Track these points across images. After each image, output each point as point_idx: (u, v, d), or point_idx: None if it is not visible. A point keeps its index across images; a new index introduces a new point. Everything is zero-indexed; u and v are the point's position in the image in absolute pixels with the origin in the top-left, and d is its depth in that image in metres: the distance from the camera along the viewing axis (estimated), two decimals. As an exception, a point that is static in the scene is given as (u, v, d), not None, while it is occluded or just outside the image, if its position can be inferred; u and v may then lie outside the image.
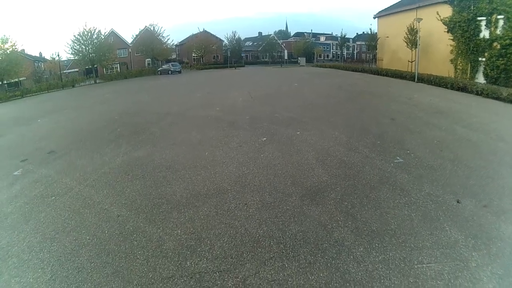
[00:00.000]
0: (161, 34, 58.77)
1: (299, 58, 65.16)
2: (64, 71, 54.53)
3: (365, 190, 8.22)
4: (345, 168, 9.69)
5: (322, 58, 65.64)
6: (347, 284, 5.06)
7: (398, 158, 10.25)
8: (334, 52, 69.05)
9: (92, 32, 43.37)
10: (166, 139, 13.22)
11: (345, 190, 8.39)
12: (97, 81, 43.86)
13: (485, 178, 8.48)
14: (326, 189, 8.45)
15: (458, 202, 7.42)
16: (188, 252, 5.29)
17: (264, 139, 12.83)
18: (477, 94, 20.72)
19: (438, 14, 26.61)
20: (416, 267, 5.31)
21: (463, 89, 22.29)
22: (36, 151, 11.23)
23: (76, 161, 10.10)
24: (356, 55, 64.30)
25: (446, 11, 26.27)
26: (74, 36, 42.22)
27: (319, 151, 11.24)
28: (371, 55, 49.40)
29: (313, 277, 5.27)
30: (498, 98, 19.00)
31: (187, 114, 17.95)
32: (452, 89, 23.14)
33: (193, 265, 4.97)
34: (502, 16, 22.54)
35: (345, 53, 64.70)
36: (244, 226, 6.72)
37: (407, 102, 19.71)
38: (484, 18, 25.21)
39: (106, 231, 5.91)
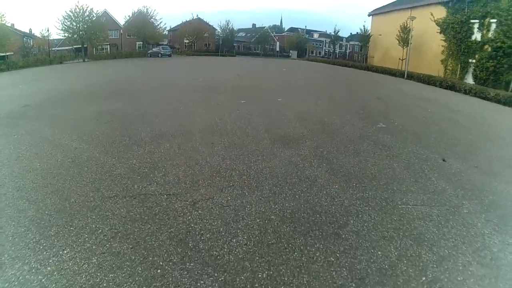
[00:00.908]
0: (153, 17, 57.50)
1: (290, 51, 64.83)
2: (53, 49, 53.09)
3: (344, 142, 7.74)
4: (324, 125, 9.28)
5: (314, 55, 65.49)
6: (317, 215, 4.62)
7: (381, 124, 9.77)
8: (326, 50, 69.01)
9: (84, 10, 41.93)
10: (144, 98, 12.90)
11: (322, 140, 8.06)
12: (86, 59, 42.32)
13: (471, 147, 8.27)
14: (302, 138, 8.19)
15: (443, 160, 7.13)
16: (139, 178, 5.20)
17: (244, 101, 12.59)
18: (465, 93, 20.75)
19: (432, 15, 26.55)
20: (400, 207, 4.94)
21: (451, 87, 22.29)
22: (11, 105, 11.05)
23: (48, 111, 9.96)
24: (348, 54, 64.29)
25: (440, 12, 26.49)
26: (66, 12, 40.94)
27: (299, 112, 10.93)
28: (363, 55, 49.35)
29: (276, 206, 4.84)
30: (485, 98, 19.15)
31: (170, 82, 17.67)
32: (440, 87, 23.08)
33: (140, 188, 4.85)
34: (495, 20, 22.94)
35: (337, 51, 64.55)
36: (205, 159, 6.43)
37: (395, 90, 19.51)
38: (477, 21, 25.39)
39: (59, 159, 5.89)
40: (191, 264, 3.25)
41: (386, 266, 3.57)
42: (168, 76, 20.10)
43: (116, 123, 8.38)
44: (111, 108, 10.63)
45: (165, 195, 4.64)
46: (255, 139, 7.61)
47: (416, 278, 3.41)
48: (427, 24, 29.36)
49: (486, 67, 24.05)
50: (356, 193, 5.31)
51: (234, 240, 3.92)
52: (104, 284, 2.85)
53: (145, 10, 56.75)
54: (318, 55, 66.55)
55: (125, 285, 2.87)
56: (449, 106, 14.67)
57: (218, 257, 3.58)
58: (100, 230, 3.66)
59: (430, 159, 7.08)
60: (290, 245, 3.86)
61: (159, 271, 3.10)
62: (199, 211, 4.50)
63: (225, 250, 3.73)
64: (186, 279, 3.03)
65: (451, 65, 28.09)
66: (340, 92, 16.97)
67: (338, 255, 3.71)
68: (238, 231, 4.13)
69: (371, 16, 43.37)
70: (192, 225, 3.95)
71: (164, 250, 3.40)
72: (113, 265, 3.11)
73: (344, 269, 3.47)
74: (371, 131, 8.84)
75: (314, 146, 7.34)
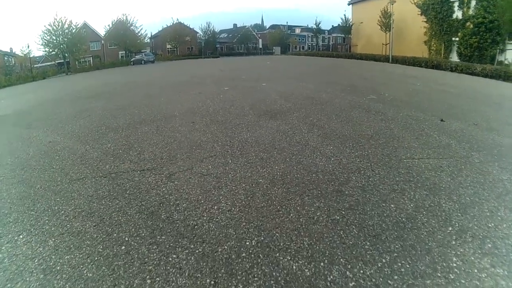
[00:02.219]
0: (134, 25, 56.42)
1: (274, 47, 64.32)
2: (36, 65, 51.88)
3: (334, 111, 7.19)
4: (312, 100, 8.81)
5: (298, 49, 65.09)
6: (313, 175, 4.03)
7: (371, 95, 9.14)
8: (309, 44, 68.74)
9: (63, 23, 40.81)
10: (124, 96, 12.09)
11: (311, 111, 7.50)
12: (68, 73, 41.20)
13: (467, 111, 7.80)
14: (289, 111, 7.65)
15: (442, 120, 6.69)
16: (112, 159, 4.83)
17: (227, 88, 12.09)
18: (451, 70, 20.54)
19: (411, -3, 26.18)
20: (405, 161, 4.41)
21: (437, 66, 22.10)
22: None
23: (27, 116, 9.40)
24: (332, 46, 64.14)
25: (419, -6, 25.80)
26: (45, 26, 39.78)
27: (285, 93, 10.34)
28: (346, 45, 49.12)
29: (265, 170, 4.25)
30: (472, 73, 19.13)
31: (152, 82, 16.93)
32: (426, 67, 22.77)
33: (112, 168, 4.48)
34: None
35: (320, 44, 64.32)
36: (185, 136, 5.91)
37: (381, 71, 19.12)
38: (457, -1, 25.04)
39: (30, 153, 5.52)
40: (163, 237, 2.75)
41: (404, 219, 2.96)
42: (150, 78, 19.42)
43: (94, 117, 7.93)
44: (91, 106, 9.91)
45: (138, 171, 4.23)
46: (239, 115, 6.95)
47: (441, 229, 2.81)
48: (408, 7, 29.19)
49: (470, 44, 23.90)
50: (354, 151, 4.72)
51: (215, 207, 3.26)
52: (58, 267, 2.42)
53: (124, 18, 55.70)
54: (301, 49, 66.16)
55: (81, 266, 2.42)
56: (437, 81, 14.31)
57: (196, 227, 2.95)
58: (62, 211, 3.27)
59: (427, 120, 6.60)
60: (284, 207, 3.19)
61: (123, 247, 2.63)
62: (175, 182, 3.92)
63: (204, 218, 3.07)
64: (155, 254, 2.53)
65: (434, 45, 27.95)
66: (325, 76, 16.45)
67: (343, 212, 3.05)
68: (221, 197, 3.48)
69: (351, 5, 43.15)
70: (167, 196, 3.48)
71: (132, 225, 2.94)
72: (71, 246, 2.69)
73: (354, 227, 2.82)
74: (361, 101, 8.27)
75: (302, 116, 6.71)
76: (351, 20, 43.64)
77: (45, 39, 40.63)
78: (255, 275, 2.32)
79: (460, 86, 12.87)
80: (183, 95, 10.70)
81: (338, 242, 2.63)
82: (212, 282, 2.27)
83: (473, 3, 24.57)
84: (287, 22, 79.36)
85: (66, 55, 42.30)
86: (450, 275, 2.25)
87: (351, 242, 2.61)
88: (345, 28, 45.76)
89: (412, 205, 3.18)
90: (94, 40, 57.31)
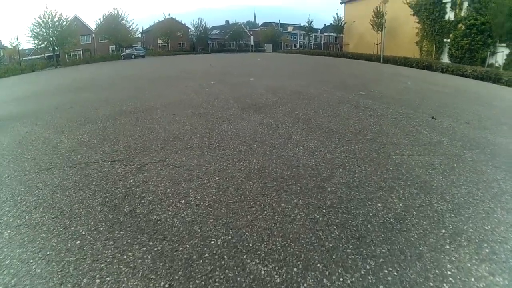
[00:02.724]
0: (125, 19, 55.48)
1: (265, 45, 63.86)
2: (25, 58, 50.74)
3: (322, 106, 6.86)
4: (299, 95, 8.47)
5: (289, 47, 64.73)
6: (293, 169, 3.71)
7: (361, 92, 8.84)
8: (301, 42, 68.46)
9: (54, 15, 39.86)
10: (110, 89, 11.57)
11: (297, 105, 7.13)
12: (58, 66, 40.24)
13: (458, 109, 7.53)
14: (275, 105, 7.29)
15: (433, 118, 6.41)
16: (84, 149, 4.59)
17: (214, 82, 11.65)
18: (442, 71, 20.46)
19: (404, -2, 26.13)
20: (394, 157, 4.11)
21: (428, 67, 22.01)
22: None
23: (8, 107, 9.14)
24: (324, 46, 63.96)
25: (412, -6, 25.72)
26: (35, 19, 38.83)
27: (272, 87, 9.95)
28: (338, 44, 48.99)
29: (241, 163, 3.92)
30: (463, 75, 19.06)
31: (140, 76, 16.26)
32: (417, 67, 22.66)
33: (83, 158, 4.24)
34: None
35: (312, 43, 64.09)
36: (164, 127, 5.59)
37: (371, 68, 18.96)
38: (449, 0, 25.08)
39: (5, 143, 5.23)
40: (121, 233, 2.50)
41: (392, 220, 2.63)
42: (137, 72, 18.84)
43: (75, 109, 7.58)
44: (73, 98, 9.44)
45: (109, 162, 4.01)
46: (222, 108, 6.58)
47: (433, 232, 2.49)
48: (400, 7, 29.13)
49: (461, 45, 23.90)
50: (340, 146, 4.38)
51: (182, 202, 2.90)
52: (7, 261, 2.20)
53: (115, 12, 54.77)
54: (293, 47, 65.84)
55: (31, 261, 2.20)
56: (428, 80, 14.16)
57: (159, 222, 2.64)
58: (24, 202, 3.06)
59: (417, 117, 6.32)
60: (258, 203, 2.84)
61: (78, 242, 2.40)
62: (145, 174, 3.62)
63: (169, 213, 2.73)
64: (109, 251, 2.28)
65: (426, 46, 27.94)
66: (315, 73, 16.16)
67: (324, 210, 2.69)
68: (190, 191, 3.12)
69: (343, 4, 42.99)
70: (133, 188, 3.25)
71: (92, 218, 2.71)
72: (25, 239, 2.47)
73: (335, 227, 2.47)
74: (350, 97, 7.96)
75: (288, 110, 6.36)
76: (343, 19, 43.49)
77: (35, 32, 39.87)
78: (216, 280, 1.97)
79: (451, 86, 12.69)
80: (169, 89, 10.27)
81: (316, 244, 2.28)
82: (167, 286, 1.93)
83: (465, 4, 24.58)
84: (279, 20, 78.89)
85: (56, 48, 41.55)
86: (444, 284, 1.93)
87: (331, 245, 2.26)
88: (337, 27, 45.63)
89: (401, 205, 2.85)
90: (84, 34, 56.45)
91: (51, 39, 40.67)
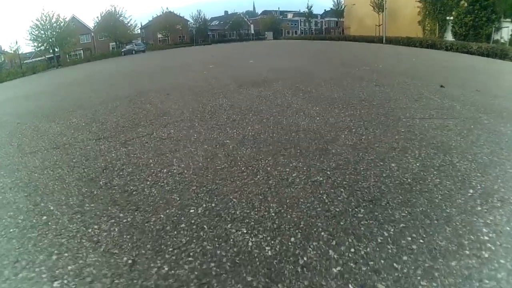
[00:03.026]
0: (123, 15, 54.82)
1: (266, 33, 62.86)
2: (26, 61, 50.63)
3: (324, 79, 6.57)
4: (300, 72, 8.10)
5: (290, 34, 63.61)
6: (292, 134, 3.35)
7: (364, 67, 8.33)
8: (302, 29, 67.27)
9: (51, 16, 39.42)
10: (107, 81, 10.94)
11: (298, 80, 6.65)
12: (59, 67, 40.00)
13: (467, 80, 7.01)
14: (274, 80, 6.85)
15: (442, 86, 5.86)
16: (71, 131, 4.33)
17: (212, 66, 11.21)
18: (446, 49, 19.67)
19: (405, -24, 25.24)
20: (404, 120, 3.71)
21: (432, 46, 21.25)
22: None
23: (8, 105, 8.70)
24: (325, 31, 62.81)
25: (413, -27, 24.83)
26: (33, 21, 38.39)
27: (272, 67, 9.48)
28: (339, 29, 48.04)
29: (235, 131, 3.58)
30: (468, 52, 18.17)
31: (139, 69, 16.03)
32: (421, 47, 21.92)
33: (68, 139, 3.97)
34: None
35: (313, 28, 62.95)
36: (156, 106, 5.26)
37: (375, 49, 18.34)
38: (452, -23, 24.15)
39: None
40: (92, 205, 2.22)
41: (409, 180, 2.24)
42: (136, 67, 18.33)
43: (69, 100, 7.20)
44: (68, 91, 9.11)
45: (94, 140, 3.76)
46: (218, 86, 6.25)
47: (460, 192, 2.09)
48: (401, -14, 28.19)
49: (465, 23, 23.08)
50: (344, 111, 3.98)
51: (164, 171, 2.52)
52: None
53: (113, 9, 54.12)
54: (294, 34, 64.72)
55: None
56: (433, 57, 13.64)
57: (134, 193, 2.32)
58: (1, 184, 2.84)
59: (426, 86, 5.82)
60: (250, 167, 2.44)
61: (44, 218, 2.14)
62: (129, 148, 3.33)
63: (148, 183, 2.40)
64: (74, 225, 1.99)
65: (429, 25, 27.11)
66: (316, 54, 15.60)
67: (329, 173, 2.27)
68: (174, 160, 2.77)
69: (343, -14, 41.94)
70: (114, 161, 2.99)
71: (64, 193, 2.46)
72: None
73: (342, 190, 2.06)
74: (353, 72, 7.51)
75: (288, 84, 5.94)
76: (343, 2, 42.48)
77: (33, 34, 39.53)
78: (190, 254, 1.58)
79: (457, 61, 12.17)
80: (168, 76, 9.79)
81: (319, 209, 1.87)
82: (130, 261, 1.57)
83: (468, -19, 23.67)
84: (278, 8, 77.48)
85: (56, 49, 41.11)
86: (483, 252, 1.50)
87: (337, 210, 1.85)
88: (338, 11, 44.61)
89: (418, 164, 2.44)
90: (83, 33, 56.01)
91: (50, 40, 40.41)
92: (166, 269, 1.49)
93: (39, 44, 39.59)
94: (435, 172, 2.30)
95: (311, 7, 54.18)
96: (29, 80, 21.59)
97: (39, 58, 51.15)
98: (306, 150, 2.73)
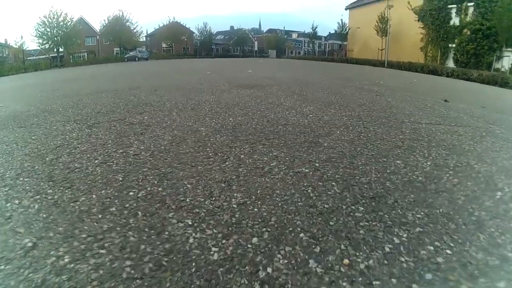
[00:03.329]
0: (129, 21, 55.06)
1: (269, 50, 63.35)
2: (29, 58, 50.81)
3: (322, 87, 6.03)
4: (298, 81, 7.67)
5: (294, 54, 64.05)
6: (279, 127, 2.95)
7: (365, 82, 7.89)
8: (305, 49, 67.77)
9: (59, 15, 39.65)
10: (104, 78, 10.56)
11: (295, 86, 6.19)
12: (61, 67, 40.02)
13: (471, 99, 6.69)
14: (269, 85, 6.48)
15: (446, 101, 5.46)
16: (45, 115, 3.99)
17: (209, 73, 10.78)
18: (447, 76, 19.62)
19: (409, 3, 25.72)
20: (408, 124, 3.31)
21: (433, 72, 21.17)
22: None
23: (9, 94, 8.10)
24: (328, 52, 63.40)
25: (417, 0, 25.24)
26: (40, 18, 38.48)
27: (270, 76, 9.06)
28: (342, 51, 48.47)
29: (213, 121, 3.19)
30: (468, 79, 18.13)
31: (138, 72, 14.99)
32: (422, 72, 21.87)
33: (38, 120, 3.62)
34: (472, 3, 21.82)
35: (317, 50, 63.55)
36: (140, 98, 4.87)
37: (376, 71, 18.04)
38: (455, 6, 24.55)
39: None
40: (25, 180, 1.85)
41: (421, 179, 1.78)
42: (136, 69, 18.07)
43: (59, 91, 6.73)
44: (62, 85, 8.56)
45: (62, 122, 3.45)
46: (210, 86, 5.88)
47: (486, 194, 1.62)
48: (405, 12, 28.51)
49: (467, 50, 23.16)
50: (341, 112, 3.56)
51: (120, 151, 2.11)
52: None
53: (120, 14, 54.41)
54: (297, 54, 65.25)
55: None
56: (434, 81, 13.34)
57: (76, 170, 1.95)
58: None
59: (429, 100, 5.40)
60: (220, 154, 2.00)
61: None
62: (93, 129, 3.01)
63: (96, 161, 2.03)
64: None
65: (431, 51, 27.19)
66: (317, 71, 15.33)
67: (317, 165, 1.81)
68: (136, 142, 2.35)
69: (348, 10, 42.44)
70: (71, 140, 2.67)
71: (4, 167, 2.12)
72: None
73: (334, 184, 1.57)
74: (353, 84, 7.14)
75: (283, 88, 5.53)
76: (347, 25, 42.94)
77: (39, 31, 39.42)
78: (105, 245, 1.11)
79: (459, 85, 11.93)
80: (163, 79, 9.35)
81: (300, 203, 1.37)
82: (29, 245, 1.10)
83: (470, 10, 23.92)
84: (284, 27, 78.37)
85: (61, 49, 40.75)
86: None
87: (326, 206, 1.35)
88: (342, 34, 45.06)
89: (429, 163, 1.98)
90: (89, 35, 56.03)
91: (55, 39, 40.29)
92: (66, 260, 0.99)
93: (44, 42, 39.03)
94: (450, 172, 1.83)
95: (316, 27, 54.81)
96: (29, 75, 21.39)
97: (43, 56, 51.16)
98: (292, 141, 2.26)
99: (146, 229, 1.24)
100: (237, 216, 1.32)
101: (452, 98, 5.82)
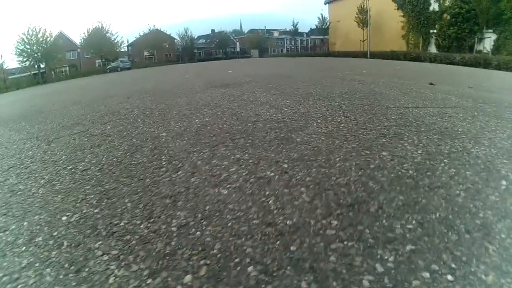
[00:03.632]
0: (110, 32, 54.19)
1: (251, 50, 63.08)
2: (11, 77, 49.84)
3: (302, 79, 5.67)
4: (277, 76, 7.14)
5: (276, 52, 63.92)
6: (248, 125, 2.69)
7: (347, 71, 7.69)
8: (288, 46, 67.67)
9: (37, 31, 38.92)
10: (80, 92, 10.12)
11: (273, 80, 5.88)
12: (43, 83, 39.36)
13: (457, 80, 6.60)
14: (247, 82, 6.12)
15: (431, 84, 5.23)
16: (10, 133, 3.70)
17: (188, 76, 10.58)
18: (430, 61, 19.53)
19: (387, -8, 25.64)
20: (394, 109, 3.01)
21: (416, 58, 21.16)
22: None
23: None
24: (310, 48, 63.44)
25: (395, -11, 25.14)
26: (19, 35, 37.66)
27: (249, 73, 8.72)
28: (325, 46, 48.45)
29: (178, 124, 2.92)
30: (451, 63, 18.10)
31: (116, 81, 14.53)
32: (405, 60, 21.83)
33: (7, 142, 3.24)
34: None
35: (299, 46, 63.55)
36: (110, 107, 4.59)
37: (359, 61, 17.79)
38: (433, -9, 24.51)
39: None
40: None
41: (412, 172, 1.51)
42: (118, 78, 17.59)
43: (30, 106, 6.44)
44: (36, 100, 8.14)
45: (24, 140, 3.23)
46: (185, 89, 5.65)
47: (490, 185, 1.34)
48: (384, 2, 28.56)
49: (448, 35, 23.23)
50: (320, 103, 3.25)
51: (69, 167, 2.09)
52: None
53: (100, 26, 53.54)
54: (280, 52, 65.12)
55: None
56: (419, 66, 13.24)
57: (19, 193, 1.73)
58: None
59: (414, 84, 5.12)
60: (173, 162, 1.72)
61: None
62: (51, 145, 2.93)
63: (41, 182, 1.95)
64: None
65: (412, 38, 27.26)
66: (299, 65, 15.05)
67: (286, 165, 1.53)
68: (89, 155, 2.18)
69: (327, 4, 42.37)
70: (25, 159, 2.44)
71: None
72: None
73: (304, 189, 1.26)
74: (335, 74, 6.82)
75: (261, 84, 5.21)
76: (328, 19, 42.90)
77: (19, 49, 38.75)
78: (23, 284, 0.96)
79: (443, 68, 11.83)
80: (137, 84, 8.99)
81: (255, 221, 1.08)
82: None
83: (449, -6, 24.01)
84: (265, 26, 78.15)
85: (42, 65, 40.60)
86: None
87: (289, 223, 1.02)
88: (323, 29, 45.04)
89: (420, 152, 1.67)
90: (70, 49, 55.02)
91: (35, 55, 39.66)
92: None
93: (24, 59, 38.26)
94: (446, 161, 1.53)
95: (296, 24, 54.81)
96: (9, 94, 20.88)
97: (25, 74, 50.21)
98: (261, 140, 1.93)
99: (66, 265, 0.97)
100: (173, 243, 1.00)
101: (438, 81, 5.58)
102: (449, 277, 0.81)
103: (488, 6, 19.72)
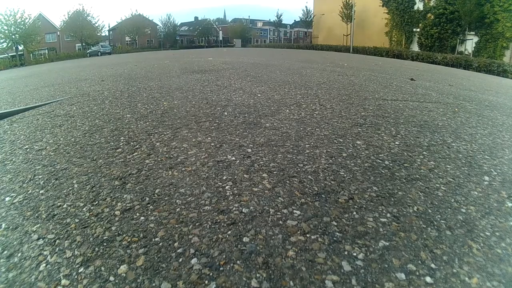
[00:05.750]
0: (90, 15, 52.25)
1: (234, 40, 62.34)
2: None
3: (281, 69, 5.45)
4: (256, 64, 6.97)
5: (259, 43, 63.47)
6: (218, 108, 2.51)
7: (328, 64, 7.76)
8: (271, 38, 67.31)
9: (16, 12, 37.04)
10: (56, 75, 9.36)
11: (251, 68, 5.77)
12: (21, 66, 37.62)
13: (437, 78, 6.49)
14: (224, 69, 6.01)
15: (412, 79, 5.25)
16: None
17: (167, 62, 10.24)
18: (412, 59, 19.81)
19: (373, -11, 25.73)
20: (372, 100, 2.92)
21: (398, 56, 21.41)
22: None
23: None
24: (293, 40, 63.34)
25: (381, -15, 25.23)
26: None
27: (228, 61, 8.63)
28: (308, 38, 48.41)
29: (146, 106, 2.71)
30: (433, 62, 18.40)
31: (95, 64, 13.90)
32: (387, 57, 22.01)
33: None
34: None
35: (282, 37, 63.27)
36: (81, 89, 4.33)
37: (340, 55, 17.81)
38: (418, -9, 24.78)
39: None
40: None
41: (388, 163, 1.41)
42: (96, 62, 16.83)
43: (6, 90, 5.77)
44: (9, 84, 7.55)
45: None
46: (161, 73, 5.38)
47: (472, 180, 1.22)
48: (369, -2, 28.65)
49: (431, 34, 23.60)
50: (296, 91, 3.12)
51: (26, 147, 1.90)
52: None
53: (81, 9, 51.42)
54: (263, 43, 64.72)
55: None
56: (400, 63, 13.34)
57: None
58: None
59: (395, 78, 5.12)
60: (133, 142, 1.62)
61: None
62: (13, 125, 2.71)
63: None
64: None
65: (395, 36, 27.54)
66: (280, 56, 14.93)
67: (250, 150, 1.31)
68: (48, 135, 2.02)
69: (313, -3, 42.24)
70: None
71: None
72: None
73: (266, 175, 1.11)
74: (315, 66, 6.70)
75: (238, 71, 5.00)
76: (312, 12, 42.82)
77: None
78: None
79: (424, 67, 11.93)
80: (115, 68, 8.57)
81: (207, 208, 0.92)
82: None
83: (434, -6, 24.34)
84: (249, 16, 77.50)
85: (20, 47, 39.09)
86: None
87: (245, 211, 0.85)
88: (307, 22, 44.92)
89: (397, 143, 1.55)
90: (49, 32, 52.91)
91: (13, 37, 38.14)
92: None
93: (1, 41, 36.52)
94: (425, 153, 1.41)
95: (280, 15, 54.41)
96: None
97: (2, 56, 48.06)
98: (227, 124, 1.76)
99: (0, 249, 0.73)
100: (113, 229, 0.83)
101: (419, 78, 5.55)
102: (428, 279, 0.68)
103: (472, 9, 20.13)
